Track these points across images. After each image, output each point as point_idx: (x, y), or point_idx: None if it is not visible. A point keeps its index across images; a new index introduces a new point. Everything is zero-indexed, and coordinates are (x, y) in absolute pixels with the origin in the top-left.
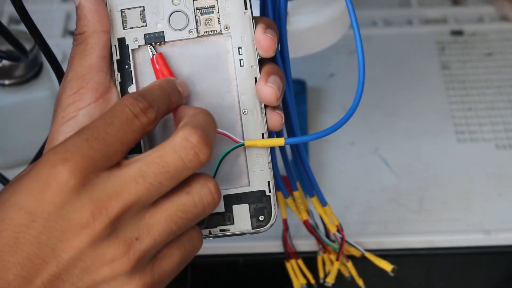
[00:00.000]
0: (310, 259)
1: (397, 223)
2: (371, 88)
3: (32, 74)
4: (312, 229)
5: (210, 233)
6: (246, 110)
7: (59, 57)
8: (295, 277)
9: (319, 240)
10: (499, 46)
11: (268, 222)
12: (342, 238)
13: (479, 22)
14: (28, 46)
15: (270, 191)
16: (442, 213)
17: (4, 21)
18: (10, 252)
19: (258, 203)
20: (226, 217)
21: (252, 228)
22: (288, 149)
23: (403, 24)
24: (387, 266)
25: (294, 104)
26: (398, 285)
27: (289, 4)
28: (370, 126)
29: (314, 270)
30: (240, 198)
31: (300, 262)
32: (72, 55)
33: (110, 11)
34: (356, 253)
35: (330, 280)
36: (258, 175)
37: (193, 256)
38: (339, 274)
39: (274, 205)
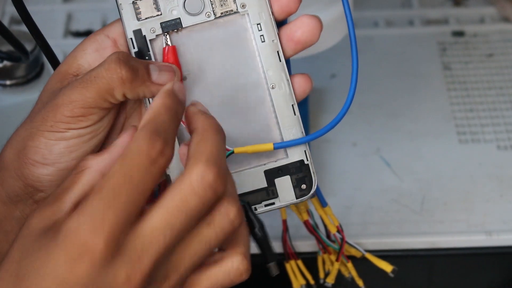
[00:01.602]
0: (309, 260)
1: (398, 224)
2: (373, 89)
3: (33, 74)
4: (312, 229)
5: (255, 209)
6: (273, 84)
7: (60, 57)
8: (295, 277)
9: (319, 240)
10: (500, 47)
11: (311, 190)
12: (342, 239)
13: (481, 23)
14: (29, 46)
15: (308, 160)
16: (444, 214)
17: (5, 22)
18: None
19: (299, 173)
20: (270, 191)
21: (297, 198)
22: None
23: (404, 25)
24: (387, 267)
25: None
26: (399, 286)
27: None
28: (371, 127)
29: (313, 271)
30: (281, 171)
31: (300, 262)
32: (94, 75)
33: (120, 4)
34: (357, 254)
35: (330, 280)
36: (294, 146)
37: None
38: (339, 275)
39: (313, 172)
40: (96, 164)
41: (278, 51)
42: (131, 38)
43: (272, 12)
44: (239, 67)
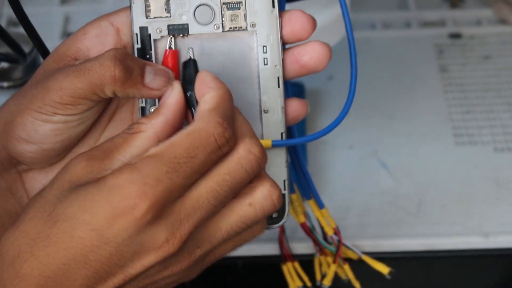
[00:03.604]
0: (306, 262)
1: (395, 226)
2: (370, 91)
3: (30, 77)
4: (309, 231)
5: None
6: (267, 109)
7: None
8: (291, 279)
9: (316, 242)
10: (497, 49)
11: (281, 220)
12: (339, 241)
13: (478, 25)
14: (26, 48)
15: (285, 190)
16: (441, 216)
17: (3, 24)
18: (79, 266)
19: None
20: None
21: (267, 225)
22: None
23: (401, 27)
24: (384, 268)
25: (290, 89)
26: None
27: (288, 6)
28: (368, 129)
29: (310, 273)
30: None
31: (297, 264)
32: (88, 67)
33: None
34: (353, 256)
35: (327, 282)
36: (274, 173)
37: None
38: (336, 277)
39: (288, 203)
40: (151, 127)
41: (278, 77)
42: (137, 34)
43: (281, 36)
44: (236, 84)
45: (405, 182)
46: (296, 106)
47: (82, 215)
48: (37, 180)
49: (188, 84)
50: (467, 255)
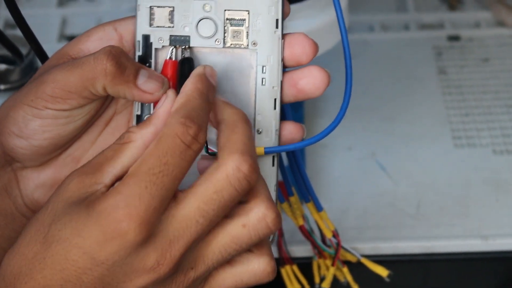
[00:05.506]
0: (304, 265)
1: (393, 228)
2: (368, 93)
3: (28, 79)
4: (308, 234)
5: None
6: (260, 130)
7: None
8: (290, 283)
9: (314, 245)
10: (496, 51)
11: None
12: (338, 244)
13: (476, 27)
14: (23, 50)
15: None
16: (439, 218)
17: (0, 26)
18: (75, 287)
19: None
20: None
21: None
22: (284, 154)
23: (400, 29)
24: (382, 271)
25: (290, 110)
26: None
27: None
28: (367, 131)
29: (309, 276)
30: None
31: (295, 267)
32: (83, 61)
33: (139, 5)
34: (352, 259)
35: (326, 285)
36: None
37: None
38: (335, 280)
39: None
40: (141, 137)
41: (275, 99)
42: (139, 41)
43: (283, 58)
44: (233, 101)
45: (404, 184)
46: (292, 130)
47: (75, 239)
48: (30, 180)
49: (182, 83)
50: (466, 258)
